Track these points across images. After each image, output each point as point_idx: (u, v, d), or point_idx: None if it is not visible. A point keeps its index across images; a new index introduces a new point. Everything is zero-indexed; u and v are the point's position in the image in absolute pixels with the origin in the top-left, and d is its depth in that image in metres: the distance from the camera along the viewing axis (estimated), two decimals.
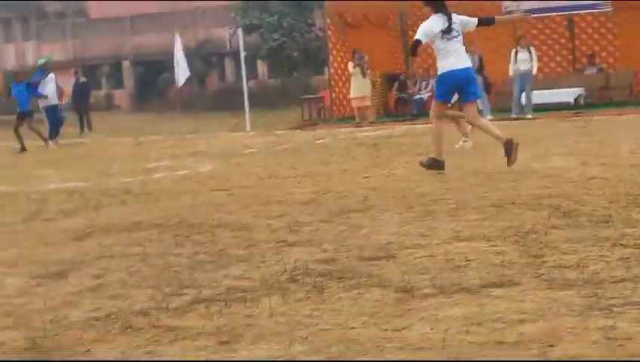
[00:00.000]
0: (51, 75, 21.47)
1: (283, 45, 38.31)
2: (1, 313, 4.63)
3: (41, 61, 23.05)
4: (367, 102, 21.93)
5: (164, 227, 7.20)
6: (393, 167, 10.89)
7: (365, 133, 17.55)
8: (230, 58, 44.66)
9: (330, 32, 24.82)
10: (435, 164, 9.76)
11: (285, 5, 37.68)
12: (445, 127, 10.33)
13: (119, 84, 47.98)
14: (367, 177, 9.97)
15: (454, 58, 9.66)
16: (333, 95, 24.71)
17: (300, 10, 37.72)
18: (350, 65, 22.10)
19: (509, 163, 9.50)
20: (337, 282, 4.85)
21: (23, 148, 19.39)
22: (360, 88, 21.71)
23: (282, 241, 6.20)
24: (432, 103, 10.44)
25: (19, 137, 19.74)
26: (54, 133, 21.13)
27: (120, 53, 47.60)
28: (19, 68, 24.17)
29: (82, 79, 28.70)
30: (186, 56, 30.66)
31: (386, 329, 3.91)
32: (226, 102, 34.39)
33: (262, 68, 44.48)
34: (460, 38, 9.74)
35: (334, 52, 24.72)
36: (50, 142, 20.59)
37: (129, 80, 47.78)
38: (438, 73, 9.89)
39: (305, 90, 33.64)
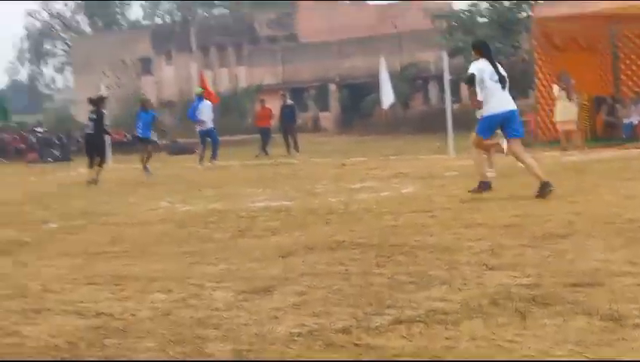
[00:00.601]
0: (206, 102, 23.21)
1: None
2: (210, 325, 4.82)
3: (198, 90, 24.64)
4: (573, 126, 21.30)
5: (366, 247, 7.27)
6: (600, 192, 10.54)
7: (571, 158, 17.08)
8: (434, 81, 44.62)
9: (536, 55, 24.32)
10: (482, 187, 10.80)
11: (491, 28, 37.29)
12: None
13: (325, 107, 48.91)
14: (573, 202, 9.70)
15: (497, 100, 10.63)
16: (538, 118, 24.18)
17: (506, 33, 37.19)
18: (555, 88, 21.56)
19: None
20: (541, 308, 4.74)
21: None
22: (565, 112, 21.14)
23: (484, 264, 6.13)
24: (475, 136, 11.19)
25: (143, 160, 20.67)
26: (200, 155, 22.97)
27: (327, 77, 48.57)
28: (144, 97, 25.68)
29: (289, 102, 29.48)
30: (391, 79, 30.86)
31: (592, 359, 3.79)
32: (430, 125, 34.35)
33: (466, 91, 44.15)
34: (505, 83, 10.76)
35: (540, 75, 24.17)
36: (204, 162, 22.34)
37: (335, 102, 48.65)
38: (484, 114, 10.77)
39: None
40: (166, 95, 56.65)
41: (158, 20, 75.31)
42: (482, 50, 11.00)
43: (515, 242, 7.05)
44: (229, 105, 45.44)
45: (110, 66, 55.45)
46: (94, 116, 17.67)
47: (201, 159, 22.73)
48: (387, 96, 29.63)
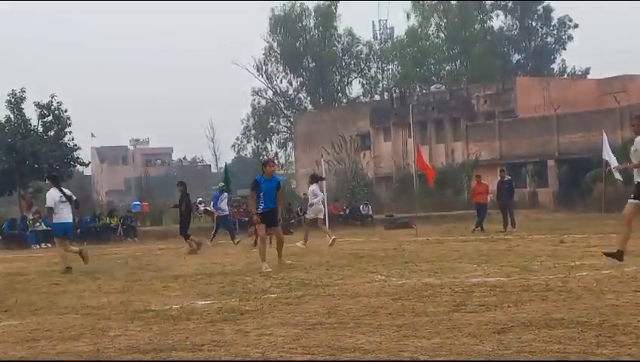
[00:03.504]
0: (225, 194, 27.39)
1: None
2: None
3: (221, 184, 28.72)
4: None
5: (585, 325, 7.05)
6: None
7: None
8: None
9: None
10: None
11: None
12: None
13: (544, 183, 47.95)
14: None
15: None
16: None
17: None
18: None
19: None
20: None
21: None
22: None
23: None
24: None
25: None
26: (213, 234, 26.45)
27: (545, 152, 47.72)
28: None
29: (507, 177, 29.16)
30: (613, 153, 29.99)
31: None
32: None
33: None
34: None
35: None
36: (211, 241, 25.47)
37: (553, 178, 47.63)
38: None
39: None
40: (383, 170, 57.43)
41: (377, 97, 76.92)
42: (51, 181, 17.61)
43: None
44: (445, 181, 45.43)
45: (330, 142, 56.98)
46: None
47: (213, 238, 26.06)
48: (613, 172, 28.83)
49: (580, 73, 77.16)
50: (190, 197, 24.73)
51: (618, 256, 12.34)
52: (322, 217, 23.52)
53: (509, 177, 29.58)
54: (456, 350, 6.26)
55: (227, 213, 27.70)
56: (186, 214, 23.52)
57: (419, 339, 6.84)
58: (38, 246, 31.41)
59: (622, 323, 7.07)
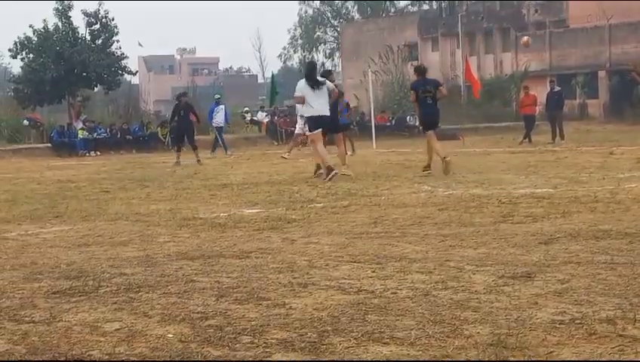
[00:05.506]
0: (221, 106, 29.40)
1: None
2: (469, 307, 4.82)
3: (217, 96, 30.45)
4: None
5: (634, 237, 7.00)
6: None
7: None
8: None
9: None
10: None
11: None
12: None
13: (594, 94, 47.22)
14: None
15: None
16: None
17: None
18: None
19: None
20: None
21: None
22: None
23: None
24: None
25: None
26: (224, 147, 28.18)
27: (596, 63, 46.87)
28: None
29: (557, 88, 28.76)
30: None
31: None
32: None
33: None
34: None
35: None
36: (228, 151, 27.60)
37: (604, 90, 46.88)
38: None
39: None
40: None
41: (425, 7, 75.72)
42: None
43: None
44: (493, 92, 44.92)
45: (377, 52, 56.42)
46: None
47: (226, 150, 27.93)
48: None
49: None
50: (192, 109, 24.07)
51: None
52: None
53: (559, 88, 29.17)
54: (502, 260, 6.25)
55: (222, 125, 29.17)
56: (187, 125, 23.23)
57: (465, 249, 6.84)
58: (87, 154, 31.78)
59: None
